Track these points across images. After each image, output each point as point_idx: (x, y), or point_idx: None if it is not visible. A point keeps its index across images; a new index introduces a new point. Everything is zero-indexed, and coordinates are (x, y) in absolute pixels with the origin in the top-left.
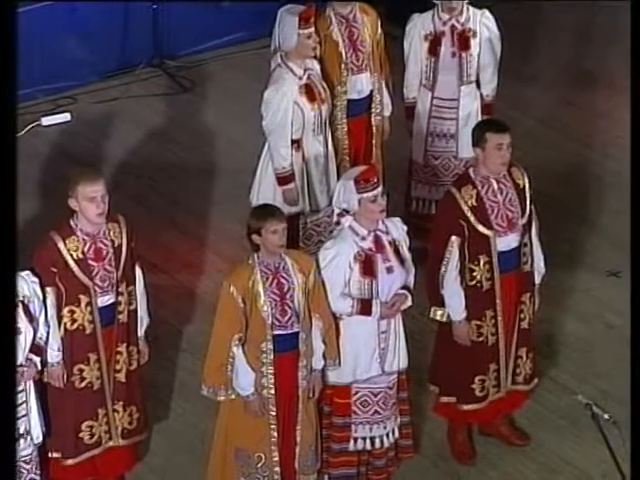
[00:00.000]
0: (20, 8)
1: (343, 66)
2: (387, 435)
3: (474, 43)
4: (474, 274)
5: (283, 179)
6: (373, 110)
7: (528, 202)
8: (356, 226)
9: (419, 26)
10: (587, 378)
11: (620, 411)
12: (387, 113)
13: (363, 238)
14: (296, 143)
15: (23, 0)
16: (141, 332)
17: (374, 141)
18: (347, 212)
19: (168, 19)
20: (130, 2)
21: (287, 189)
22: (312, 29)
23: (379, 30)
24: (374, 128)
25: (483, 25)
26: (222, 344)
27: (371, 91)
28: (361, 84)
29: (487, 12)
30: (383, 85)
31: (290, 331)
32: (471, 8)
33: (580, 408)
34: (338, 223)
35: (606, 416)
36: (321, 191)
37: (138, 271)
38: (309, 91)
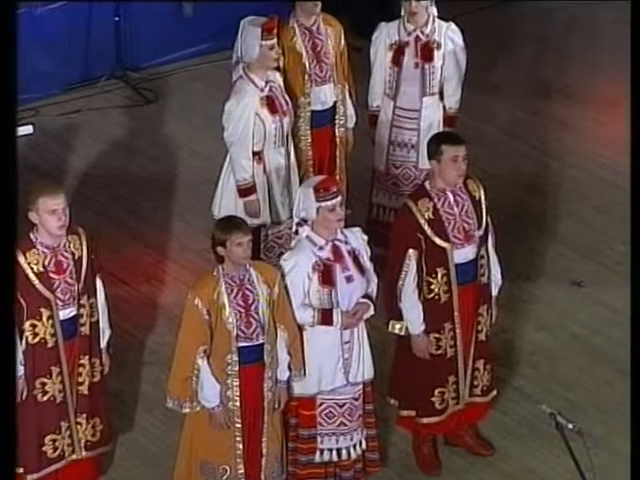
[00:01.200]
0: None
1: (307, 77)
2: (354, 446)
3: (438, 55)
4: (432, 287)
5: (244, 191)
6: (337, 121)
7: (484, 214)
8: (314, 236)
9: (384, 35)
10: (551, 388)
11: (584, 420)
12: (351, 124)
13: (321, 248)
14: (257, 155)
15: (23, 0)
16: (103, 344)
17: (338, 152)
18: (305, 222)
19: (131, 31)
20: (93, 15)
21: (248, 201)
22: (274, 40)
23: (342, 41)
24: (338, 139)
25: (448, 38)
26: (187, 356)
27: (335, 102)
28: (325, 95)
29: (453, 25)
30: (347, 96)
31: (255, 343)
32: (437, 20)
33: (544, 418)
34: (297, 233)
35: (570, 426)
36: (282, 203)
37: (99, 283)
38: (270, 103)
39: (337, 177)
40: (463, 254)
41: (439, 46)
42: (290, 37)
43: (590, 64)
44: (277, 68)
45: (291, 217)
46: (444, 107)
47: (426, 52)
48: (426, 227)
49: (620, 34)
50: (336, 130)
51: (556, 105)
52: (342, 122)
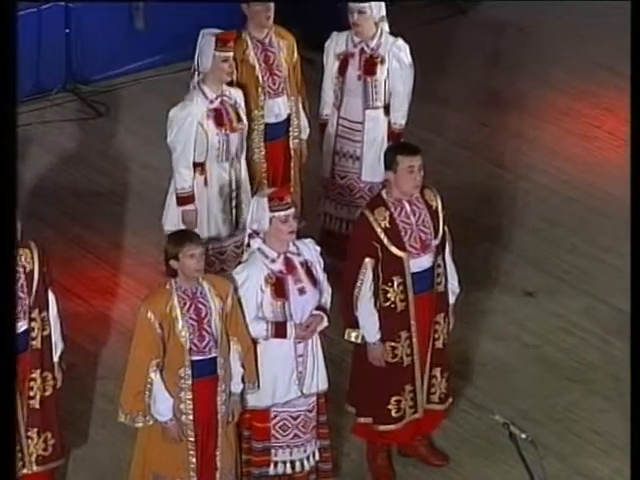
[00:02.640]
0: None
1: (260, 90)
2: (307, 458)
3: (381, 69)
4: (388, 295)
5: (182, 199)
6: (291, 133)
7: (441, 223)
8: (265, 249)
9: (334, 44)
10: (504, 398)
11: (537, 430)
12: (304, 136)
13: (273, 260)
14: (200, 166)
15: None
16: (56, 358)
17: (292, 164)
18: (257, 234)
19: (81, 43)
20: (43, 27)
21: (186, 210)
22: (229, 54)
23: (295, 54)
24: (292, 151)
25: (393, 54)
26: (140, 370)
27: (289, 115)
28: (278, 108)
29: (400, 41)
30: (300, 108)
31: (208, 356)
32: (385, 35)
33: (498, 428)
34: (249, 245)
35: (523, 435)
36: (224, 220)
37: (51, 296)
38: (217, 116)
39: (291, 189)
40: (419, 263)
41: (383, 60)
42: (243, 50)
43: (540, 76)
44: (230, 82)
45: (233, 235)
46: (389, 122)
47: (369, 65)
48: (382, 236)
49: (569, 47)
50: (290, 142)
51: (507, 116)
52: (296, 134)
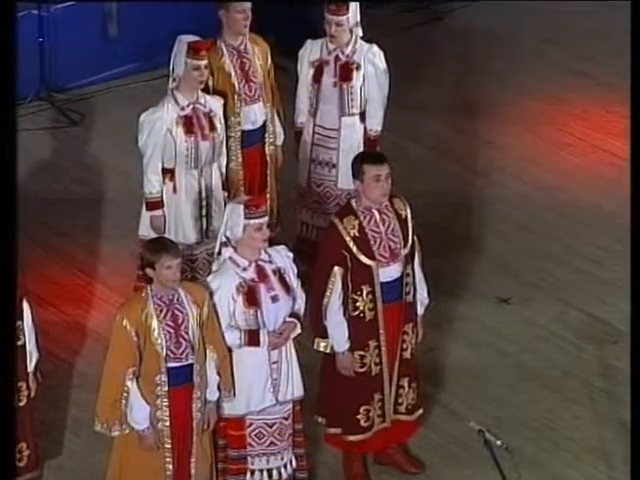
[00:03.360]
0: None
1: (236, 97)
2: (284, 466)
3: (356, 76)
4: (357, 304)
5: (150, 204)
6: (267, 140)
7: (410, 232)
8: (237, 257)
9: (308, 52)
10: (479, 405)
11: (512, 437)
12: (279, 142)
13: (244, 269)
14: (169, 173)
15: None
16: (30, 367)
17: (269, 171)
18: (229, 243)
19: (55, 52)
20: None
21: (154, 215)
22: (201, 62)
23: (270, 60)
24: (268, 158)
25: (368, 59)
26: (115, 378)
27: (264, 121)
28: (254, 114)
29: (375, 47)
30: (275, 115)
31: (185, 363)
32: (360, 41)
33: (473, 435)
34: (219, 253)
35: (498, 442)
36: (193, 227)
37: (25, 305)
38: (187, 123)
39: (268, 196)
40: (388, 272)
41: (358, 67)
42: (218, 57)
43: (514, 82)
44: (205, 89)
45: (204, 242)
46: (365, 128)
47: (344, 72)
48: (351, 245)
49: (543, 53)
50: (266, 148)
51: (480, 123)
52: (271, 140)
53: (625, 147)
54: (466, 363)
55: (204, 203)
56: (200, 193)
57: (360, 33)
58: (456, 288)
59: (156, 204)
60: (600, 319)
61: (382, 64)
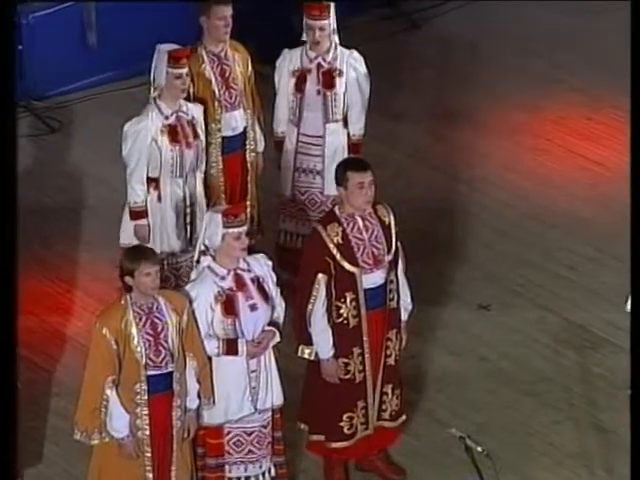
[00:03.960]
0: None
1: (217, 104)
2: (263, 474)
3: (340, 82)
4: (341, 311)
5: (135, 214)
6: (248, 146)
7: (394, 239)
8: (215, 266)
9: (287, 61)
10: (460, 411)
11: (493, 443)
12: (260, 149)
13: (223, 278)
14: (154, 182)
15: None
16: None
17: (249, 178)
18: (208, 252)
19: (34, 59)
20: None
21: (138, 224)
22: (182, 70)
23: (250, 67)
24: (249, 164)
25: (350, 65)
26: (95, 387)
27: (245, 128)
28: (235, 121)
29: (355, 52)
30: (256, 121)
31: (164, 371)
32: (339, 47)
33: (454, 441)
34: (198, 262)
35: (479, 449)
36: (178, 235)
37: None
38: (172, 132)
39: (249, 202)
40: (372, 279)
41: (341, 73)
42: (199, 64)
43: (493, 89)
44: (187, 97)
45: (188, 250)
46: (348, 134)
47: (328, 79)
48: (335, 252)
49: (521, 60)
50: (247, 155)
51: (461, 130)
52: (252, 147)
53: (602, 153)
54: (447, 370)
55: (188, 211)
56: (185, 201)
57: (337, 40)
58: (437, 295)
59: (140, 213)
60: (579, 325)
61: (363, 69)
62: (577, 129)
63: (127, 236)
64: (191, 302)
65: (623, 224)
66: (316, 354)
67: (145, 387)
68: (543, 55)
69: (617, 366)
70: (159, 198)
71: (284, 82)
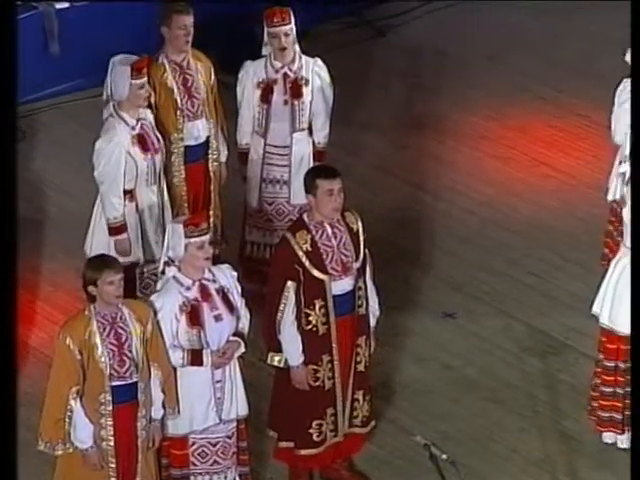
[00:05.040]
0: None
1: (179, 113)
2: None
3: (306, 91)
4: (310, 318)
5: (115, 229)
6: (210, 156)
7: (362, 246)
8: (180, 276)
9: (251, 73)
10: (425, 419)
11: (457, 450)
12: (223, 159)
13: (188, 288)
14: (129, 193)
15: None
16: None
17: (212, 187)
18: (173, 262)
19: None
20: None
21: (119, 239)
22: (144, 79)
23: (212, 77)
24: (212, 174)
25: (315, 73)
26: (59, 397)
27: (208, 137)
28: (197, 130)
29: (319, 60)
30: (219, 131)
31: (129, 381)
32: (303, 57)
33: (418, 449)
34: (163, 272)
35: (444, 456)
36: (156, 241)
37: None
38: (142, 141)
39: (212, 212)
40: (341, 286)
41: (307, 82)
42: (161, 73)
43: (458, 98)
44: (149, 105)
45: None
46: (313, 142)
47: (295, 89)
48: (304, 259)
49: (485, 69)
50: (210, 165)
51: (426, 139)
52: (215, 157)
53: (565, 161)
54: (412, 378)
55: (164, 217)
56: (159, 206)
57: (298, 49)
58: (402, 303)
59: (120, 228)
60: (542, 331)
61: (327, 77)
62: (541, 137)
63: (96, 250)
64: (155, 312)
65: (585, 231)
66: (286, 361)
67: (109, 397)
68: (508, 62)
69: (580, 372)
70: (137, 208)
71: (248, 94)
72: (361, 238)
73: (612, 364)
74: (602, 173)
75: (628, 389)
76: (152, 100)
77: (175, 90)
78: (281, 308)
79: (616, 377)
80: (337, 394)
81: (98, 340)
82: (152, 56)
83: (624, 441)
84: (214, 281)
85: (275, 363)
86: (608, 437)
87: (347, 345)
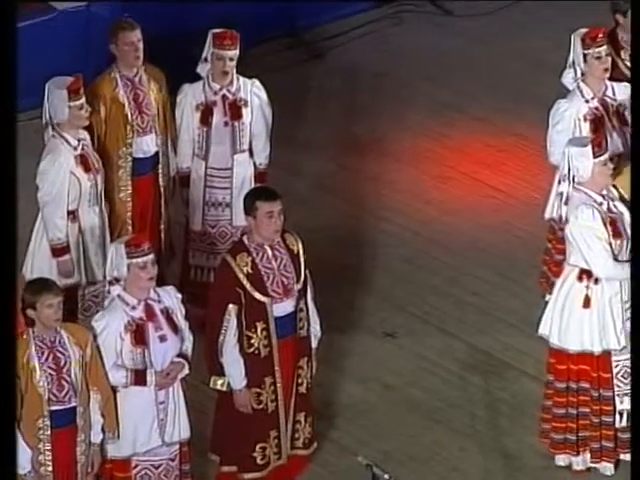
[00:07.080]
0: None
1: (129, 128)
2: None
3: (246, 112)
4: (252, 341)
5: (58, 250)
6: (160, 171)
7: (303, 267)
8: (125, 295)
9: (190, 96)
10: (367, 439)
11: (400, 470)
12: (172, 173)
13: (133, 307)
14: (72, 214)
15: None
16: None
17: (163, 202)
18: (118, 281)
19: None
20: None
21: (62, 261)
22: (82, 100)
23: (164, 92)
24: (162, 188)
25: (254, 94)
26: None
27: (157, 152)
28: (147, 145)
29: (257, 82)
30: (169, 145)
31: (68, 405)
32: (241, 78)
33: (361, 469)
34: (109, 292)
35: (386, 476)
36: (97, 262)
37: None
38: (84, 161)
39: (163, 226)
40: (282, 308)
41: (246, 103)
42: (112, 88)
43: (397, 119)
44: (88, 126)
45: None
46: (254, 163)
47: (235, 110)
48: (245, 282)
49: (422, 91)
50: (160, 179)
51: (366, 159)
52: (165, 172)
53: (504, 180)
54: (353, 398)
55: (105, 238)
56: (101, 228)
57: (235, 71)
58: (343, 323)
59: (64, 249)
60: (483, 350)
61: (265, 97)
62: (480, 157)
63: (37, 273)
64: (95, 336)
65: (523, 249)
66: (228, 384)
67: (48, 422)
68: (447, 83)
69: (520, 390)
70: (79, 229)
71: (187, 117)
72: (302, 259)
73: (563, 385)
74: (540, 192)
75: (581, 409)
76: (101, 115)
77: (126, 105)
78: (223, 331)
79: (568, 398)
80: (280, 416)
81: (36, 364)
82: (104, 71)
83: (579, 463)
84: (159, 301)
85: (218, 387)
86: (562, 459)
87: (289, 367)
